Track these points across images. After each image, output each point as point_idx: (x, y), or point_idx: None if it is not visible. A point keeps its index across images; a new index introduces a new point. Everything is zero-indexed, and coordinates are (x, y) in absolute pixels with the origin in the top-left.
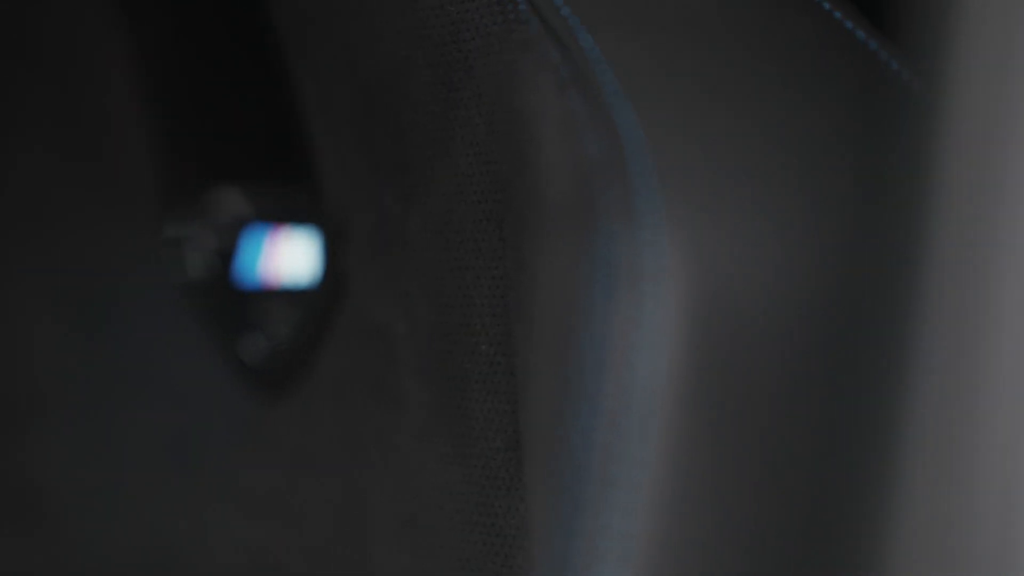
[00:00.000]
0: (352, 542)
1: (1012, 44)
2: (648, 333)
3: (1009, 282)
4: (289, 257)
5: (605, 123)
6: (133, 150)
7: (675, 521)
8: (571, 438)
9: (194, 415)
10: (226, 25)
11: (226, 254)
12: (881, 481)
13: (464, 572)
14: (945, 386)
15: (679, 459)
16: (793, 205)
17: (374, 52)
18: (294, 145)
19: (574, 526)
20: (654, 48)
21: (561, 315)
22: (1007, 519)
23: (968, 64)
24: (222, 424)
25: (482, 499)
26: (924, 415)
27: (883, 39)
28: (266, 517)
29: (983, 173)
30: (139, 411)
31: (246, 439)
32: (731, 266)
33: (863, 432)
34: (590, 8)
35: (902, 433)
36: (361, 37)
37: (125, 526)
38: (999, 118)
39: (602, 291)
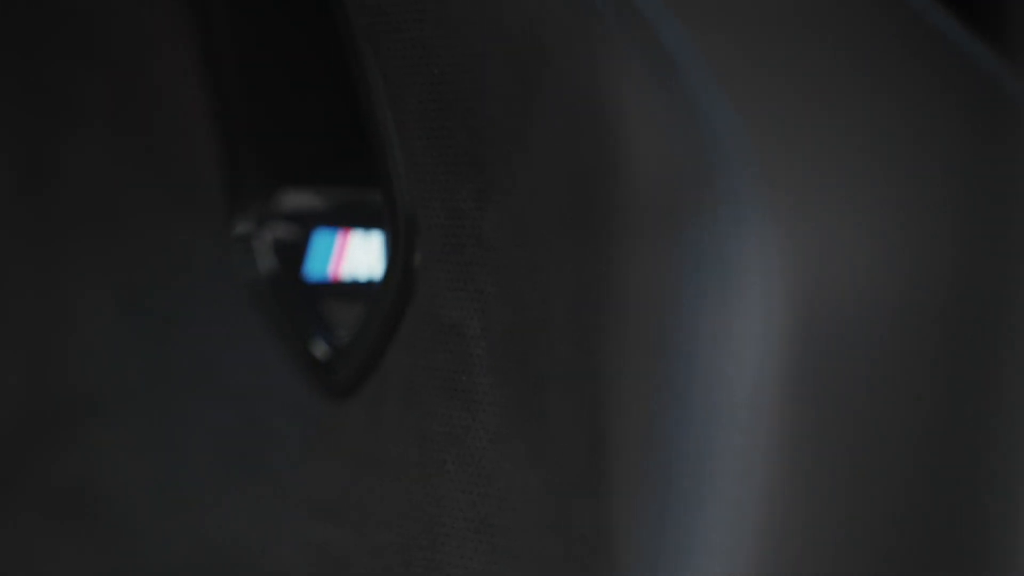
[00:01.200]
0: (422, 545)
1: None
2: (748, 330)
3: None
4: (359, 255)
5: (698, 116)
6: (200, 149)
7: (777, 517)
8: (664, 438)
9: (259, 415)
10: (294, 21)
11: (294, 253)
12: (1003, 479)
13: None
14: None
15: (781, 456)
16: (891, 203)
17: (448, 46)
18: (364, 142)
19: (665, 524)
20: (746, 40)
21: (653, 314)
22: None
23: None
24: (288, 424)
25: (560, 501)
26: None
27: (981, 41)
28: (333, 518)
29: None
30: (202, 411)
31: (313, 439)
32: (832, 263)
33: (975, 428)
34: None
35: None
36: (434, 31)
37: (187, 526)
38: None
39: (696, 289)
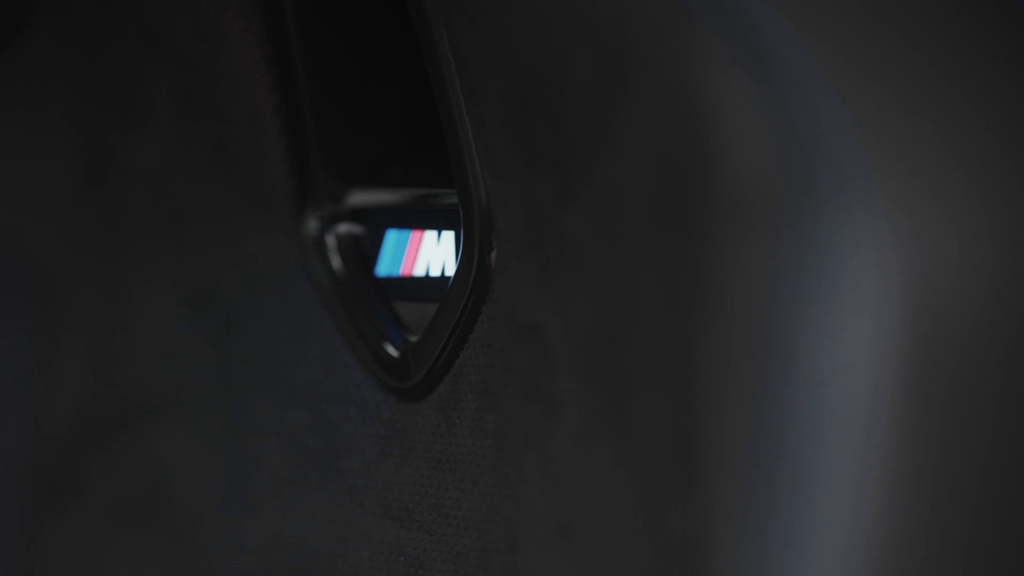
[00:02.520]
0: (501, 550)
1: None
2: (858, 327)
3: None
4: (431, 254)
5: (799, 112)
6: (268, 146)
7: (897, 524)
8: (766, 438)
9: (330, 416)
10: (364, 16)
11: (365, 252)
12: None
13: None
14: None
15: (901, 457)
16: (1004, 197)
17: (530, 41)
18: (436, 140)
19: (770, 529)
20: (851, 33)
21: (753, 312)
22: None
23: None
24: (360, 425)
25: (648, 505)
26: None
27: None
28: (408, 521)
29: None
30: (271, 412)
31: (385, 441)
32: (946, 259)
33: None
34: None
35: None
36: (516, 25)
37: (256, 528)
38: None
39: (799, 286)
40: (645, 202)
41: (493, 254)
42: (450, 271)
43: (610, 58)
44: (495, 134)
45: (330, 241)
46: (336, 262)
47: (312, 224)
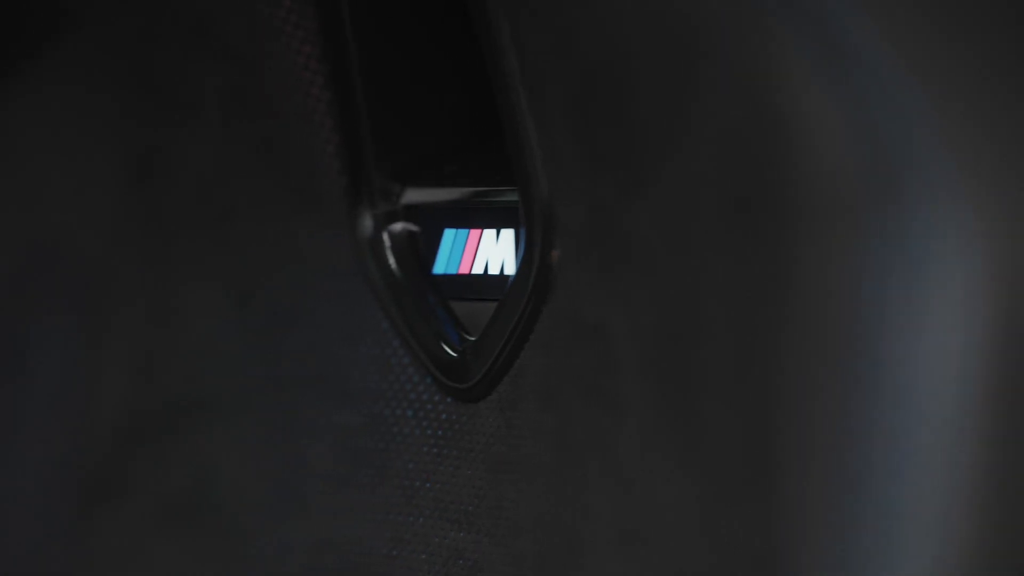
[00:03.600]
0: (564, 554)
1: None
2: (949, 328)
3: None
4: (489, 253)
5: (882, 109)
6: (322, 143)
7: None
8: (850, 442)
9: (384, 416)
10: (419, 12)
11: (422, 251)
12: None
13: None
14: None
15: (994, 460)
16: None
17: (596, 35)
18: (495, 135)
19: (849, 537)
20: (937, 26)
21: (837, 317)
22: None
23: None
24: (415, 426)
25: (718, 510)
26: None
27: None
28: (465, 523)
29: None
30: (322, 412)
31: (441, 442)
32: None
33: None
34: None
35: None
36: (581, 19)
37: (307, 530)
38: None
39: (885, 286)
40: (717, 200)
41: (555, 252)
42: (509, 270)
43: (680, 52)
44: (558, 130)
45: (385, 240)
46: (391, 261)
47: (366, 222)
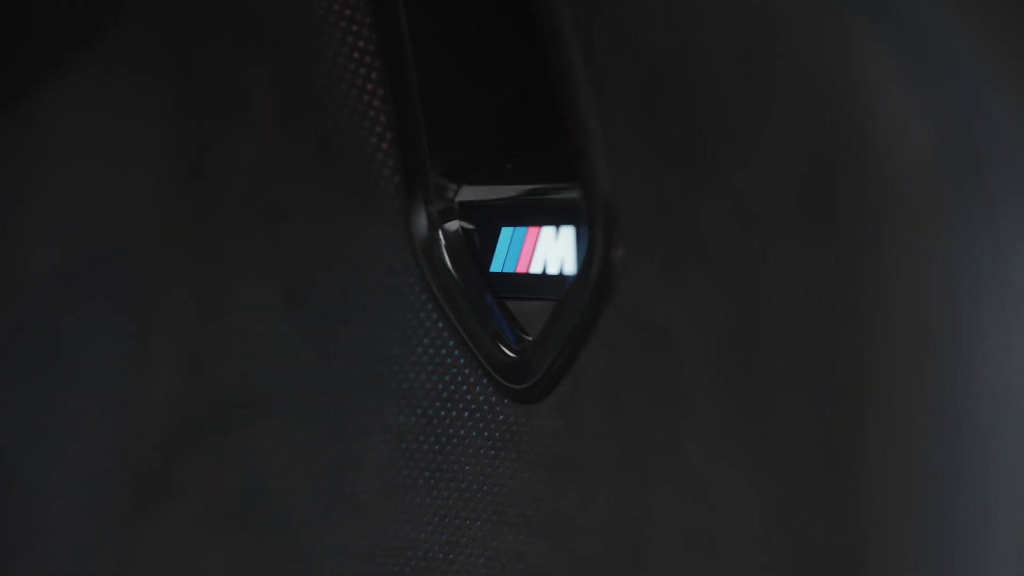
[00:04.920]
0: (629, 558)
1: None
2: None
3: None
4: (548, 251)
5: (967, 105)
6: (376, 140)
7: None
8: (937, 445)
9: (439, 418)
10: (477, 5)
11: (479, 249)
12: None
13: None
14: None
15: None
16: None
17: (663, 29)
18: (552, 133)
19: (935, 544)
20: (1016, 21)
21: (925, 319)
22: None
23: None
24: (471, 428)
25: (790, 513)
26: None
27: None
28: (525, 526)
29: None
30: (376, 413)
31: (499, 443)
32: None
33: None
34: None
35: None
36: (648, 13)
37: (361, 532)
38: None
39: (974, 285)
40: (790, 198)
41: (617, 251)
42: (568, 268)
43: (752, 47)
44: (622, 126)
45: (440, 238)
46: (447, 260)
47: (421, 220)
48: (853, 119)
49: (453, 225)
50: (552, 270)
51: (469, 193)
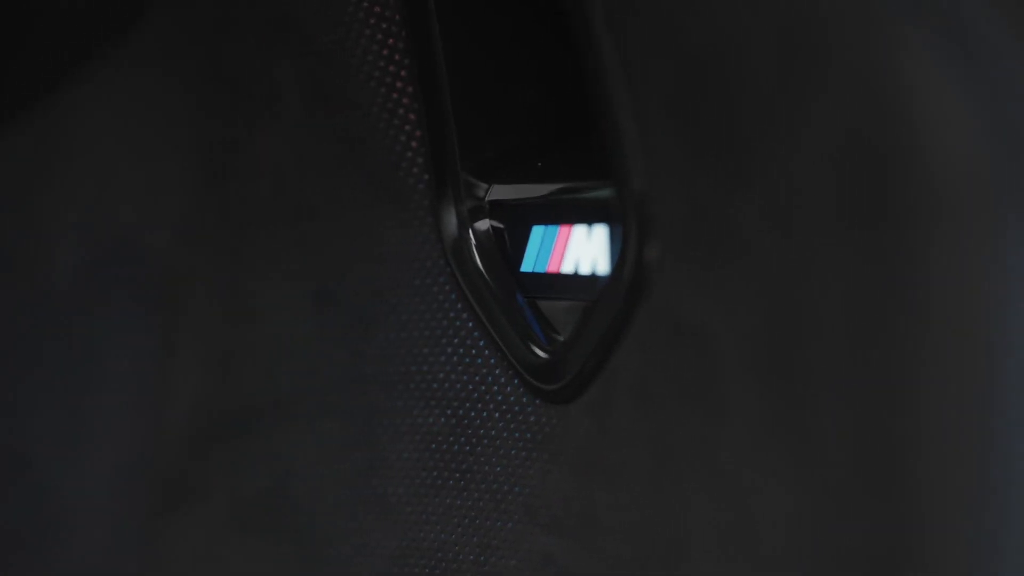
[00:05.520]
0: (663, 562)
1: None
2: None
3: None
4: (579, 250)
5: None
6: (405, 138)
7: None
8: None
9: (470, 419)
10: (511, 4)
11: (509, 249)
12: None
13: None
14: None
15: None
16: None
17: (700, 24)
18: (583, 131)
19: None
20: None
21: (974, 319)
22: None
23: None
24: (502, 429)
25: (833, 516)
26: None
27: None
28: (557, 528)
29: None
30: (406, 413)
31: (530, 445)
32: None
33: None
34: None
35: None
36: (687, 11)
37: (390, 535)
38: None
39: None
40: (832, 196)
41: (651, 250)
42: (600, 268)
43: (791, 44)
44: (657, 123)
45: (470, 237)
46: (477, 259)
47: (451, 220)
48: (898, 115)
49: (483, 224)
50: (584, 270)
51: (499, 192)
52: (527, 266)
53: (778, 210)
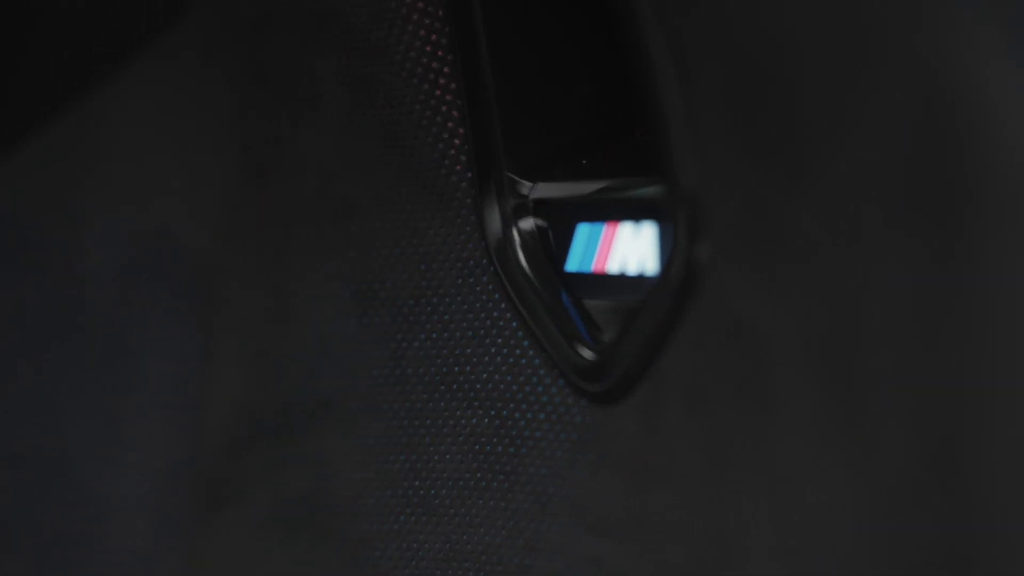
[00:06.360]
0: (717, 564)
1: None
2: None
3: None
4: (626, 248)
5: None
6: (448, 135)
7: None
8: None
9: (514, 420)
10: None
11: (554, 247)
12: None
13: None
14: None
15: None
16: None
17: (756, 21)
18: (628, 128)
19: None
20: None
21: None
22: None
23: None
24: (548, 430)
25: (891, 516)
26: None
27: None
28: (606, 531)
29: None
30: (449, 414)
31: (577, 447)
32: None
33: None
34: None
35: None
36: (740, 8)
37: (433, 537)
38: None
39: None
40: (895, 193)
41: (703, 249)
42: (647, 267)
43: (850, 39)
44: (710, 120)
45: (514, 235)
46: (521, 258)
47: (495, 217)
48: (963, 110)
49: (527, 222)
50: (630, 269)
51: (544, 189)
52: (572, 265)
53: (838, 208)
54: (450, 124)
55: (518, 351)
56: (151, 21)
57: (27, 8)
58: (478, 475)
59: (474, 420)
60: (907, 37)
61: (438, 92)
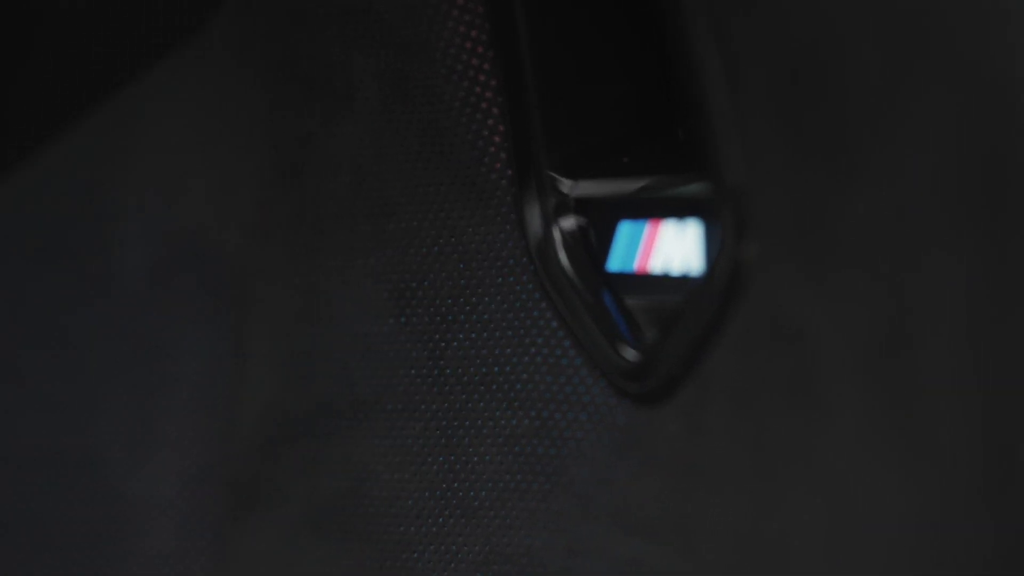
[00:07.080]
0: (763, 567)
1: None
2: None
3: None
4: (669, 247)
5: None
6: (487, 133)
7: None
8: None
9: (555, 421)
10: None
11: (596, 246)
12: None
13: None
14: None
15: None
16: None
17: (807, 20)
18: (683, 121)
19: None
20: None
21: None
22: None
23: None
24: (589, 432)
25: (945, 522)
26: None
27: None
28: (649, 534)
29: None
30: (489, 416)
31: (619, 448)
32: None
33: None
34: None
35: None
36: (792, 6)
37: (473, 540)
38: None
39: None
40: (948, 193)
41: (749, 249)
42: (691, 266)
43: (902, 33)
44: (758, 119)
45: (555, 234)
46: (563, 256)
47: (535, 216)
48: (1015, 109)
49: (568, 221)
50: (674, 269)
51: (585, 188)
52: (614, 264)
53: (890, 208)
54: (490, 121)
55: (559, 351)
56: (183, 18)
57: (27, 8)
58: (518, 477)
59: (514, 421)
60: (958, 36)
61: (478, 89)
